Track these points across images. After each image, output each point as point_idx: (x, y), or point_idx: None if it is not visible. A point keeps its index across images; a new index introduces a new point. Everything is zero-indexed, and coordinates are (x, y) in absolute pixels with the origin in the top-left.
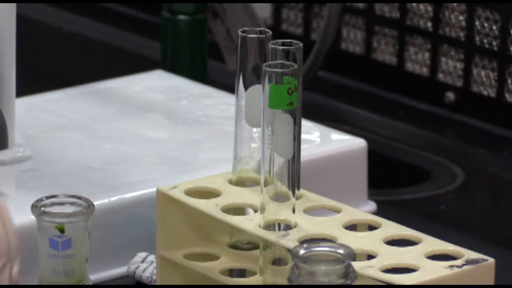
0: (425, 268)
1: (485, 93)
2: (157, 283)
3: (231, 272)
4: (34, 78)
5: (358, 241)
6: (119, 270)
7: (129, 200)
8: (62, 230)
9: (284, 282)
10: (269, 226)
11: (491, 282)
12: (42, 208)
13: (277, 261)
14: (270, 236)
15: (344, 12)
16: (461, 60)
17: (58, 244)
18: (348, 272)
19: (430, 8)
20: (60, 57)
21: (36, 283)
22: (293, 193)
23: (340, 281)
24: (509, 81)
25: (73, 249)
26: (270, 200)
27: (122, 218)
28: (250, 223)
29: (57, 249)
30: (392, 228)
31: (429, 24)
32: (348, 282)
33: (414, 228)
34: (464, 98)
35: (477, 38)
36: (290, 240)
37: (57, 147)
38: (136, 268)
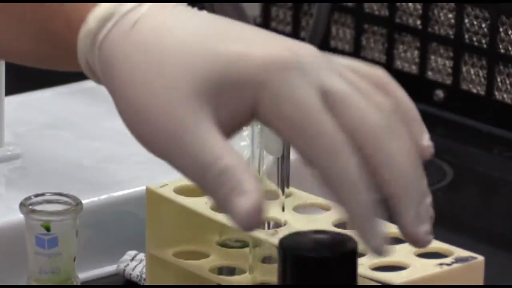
0: (414, 266)
1: (474, 90)
2: (147, 282)
3: (221, 270)
4: (23, 76)
5: None
6: (109, 269)
7: (119, 198)
8: (48, 228)
9: (274, 280)
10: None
11: (480, 280)
12: (30, 207)
13: (267, 259)
14: (260, 234)
15: (333, 10)
16: (450, 58)
17: (44, 242)
18: None
19: (419, 6)
20: None
21: (25, 282)
22: (283, 191)
23: None
24: (498, 79)
25: (60, 247)
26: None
27: (111, 217)
28: None
29: (43, 247)
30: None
31: (418, 22)
32: None
33: None
34: (453, 96)
35: (466, 36)
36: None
37: (46, 146)
38: (126, 266)
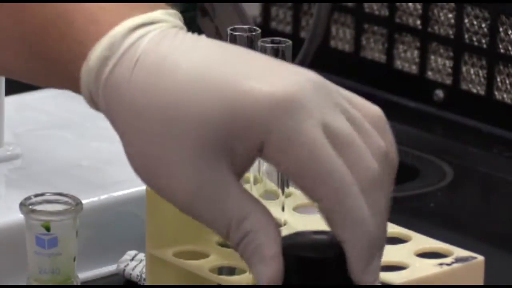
0: (414, 266)
1: (474, 90)
2: (147, 282)
3: (221, 270)
4: None
5: None
6: (109, 269)
7: (119, 198)
8: (48, 228)
9: None
10: None
11: (480, 280)
12: (30, 206)
13: None
14: None
15: (333, 10)
16: (450, 58)
17: (44, 242)
18: None
19: (419, 6)
20: None
21: (25, 282)
22: (283, 191)
23: None
24: (498, 79)
25: (60, 247)
26: (260, 198)
27: (111, 217)
28: None
29: (43, 247)
30: None
31: (418, 22)
32: None
33: (403, 226)
34: (453, 96)
35: (466, 36)
36: None
37: (46, 146)
38: (126, 266)
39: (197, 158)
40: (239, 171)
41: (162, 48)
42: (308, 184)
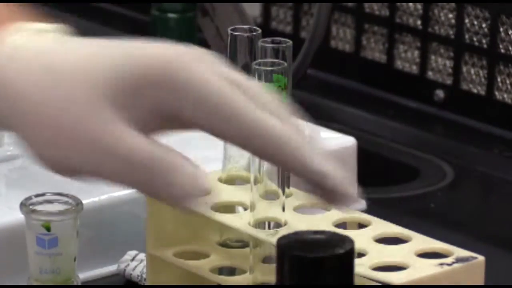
0: (414, 266)
1: (475, 90)
2: (147, 282)
3: (221, 270)
4: None
5: None
6: (109, 269)
7: (119, 198)
8: (48, 228)
9: (275, 280)
10: (259, 224)
11: (481, 280)
12: (31, 206)
13: (267, 259)
14: (260, 234)
15: (333, 10)
16: (451, 58)
17: (45, 242)
18: None
19: (419, 6)
20: None
21: (25, 282)
22: (283, 191)
23: None
24: (498, 79)
25: (60, 247)
26: (260, 198)
27: (112, 217)
28: (240, 221)
29: (44, 247)
30: (382, 226)
31: (419, 22)
32: None
33: (403, 226)
34: (454, 96)
35: (466, 36)
36: None
37: None
38: (126, 266)
39: (96, 112)
40: (150, 130)
41: (40, 39)
42: (216, 125)
